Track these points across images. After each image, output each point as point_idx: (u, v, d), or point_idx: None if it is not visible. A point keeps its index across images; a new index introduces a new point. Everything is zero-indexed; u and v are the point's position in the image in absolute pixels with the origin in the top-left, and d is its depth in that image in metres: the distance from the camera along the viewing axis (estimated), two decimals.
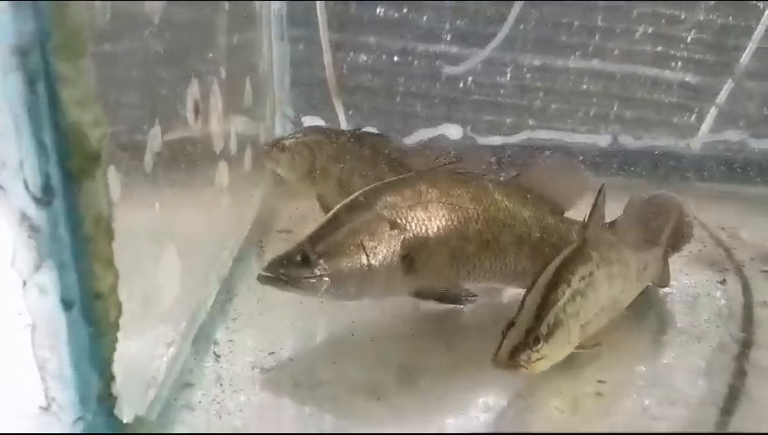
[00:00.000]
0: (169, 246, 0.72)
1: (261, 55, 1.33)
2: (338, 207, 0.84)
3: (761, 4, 1.43)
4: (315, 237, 0.79)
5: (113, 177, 0.53)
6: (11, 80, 0.45)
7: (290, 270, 0.77)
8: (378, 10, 1.46)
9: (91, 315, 0.51)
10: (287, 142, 1.15)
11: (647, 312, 0.92)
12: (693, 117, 1.49)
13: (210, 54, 0.92)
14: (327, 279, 0.77)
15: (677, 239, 0.98)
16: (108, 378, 0.53)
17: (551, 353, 0.72)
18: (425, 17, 1.48)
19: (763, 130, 1.43)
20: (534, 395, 0.75)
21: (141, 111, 0.65)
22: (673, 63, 1.48)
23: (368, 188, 0.87)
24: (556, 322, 0.72)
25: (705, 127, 1.49)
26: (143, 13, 0.63)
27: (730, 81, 1.47)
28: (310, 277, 0.77)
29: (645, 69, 1.46)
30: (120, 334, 0.53)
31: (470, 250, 0.87)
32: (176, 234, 0.74)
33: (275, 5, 1.41)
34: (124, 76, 0.60)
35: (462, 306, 0.90)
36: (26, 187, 0.47)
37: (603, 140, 1.50)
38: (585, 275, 0.76)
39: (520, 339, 0.70)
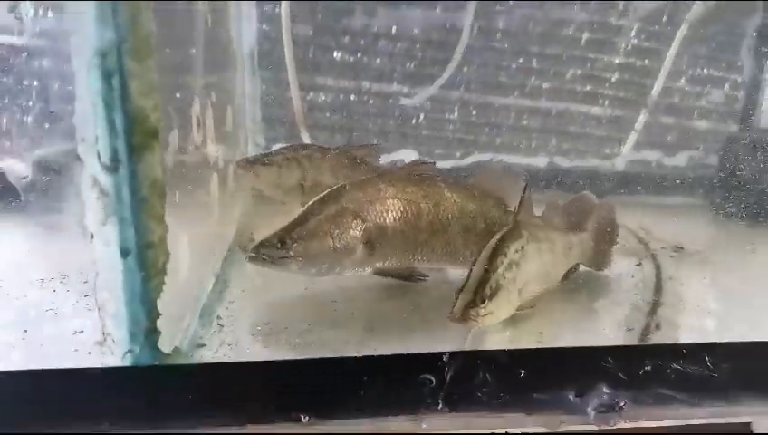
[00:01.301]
0: (182, 233, 0.87)
1: (236, 89, 1.50)
2: (310, 202, 1.01)
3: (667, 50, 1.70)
4: (291, 226, 0.97)
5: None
6: (93, 75, 0.60)
7: (270, 251, 0.95)
8: (335, 54, 1.66)
9: (144, 262, 0.65)
10: (269, 158, 1.27)
11: (579, 287, 1.10)
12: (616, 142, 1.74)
13: (204, 82, 1.08)
14: (300, 259, 0.95)
15: (610, 230, 1.18)
16: (154, 316, 0.66)
17: (495, 311, 0.89)
18: (377, 60, 1.69)
19: (671, 150, 1.69)
20: (488, 344, 0.91)
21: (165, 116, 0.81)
22: (600, 100, 1.73)
23: (336, 187, 1.04)
24: (497, 285, 0.89)
25: (625, 149, 1.73)
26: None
27: (644, 111, 1.73)
28: (285, 257, 0.95)
29: (576, 105, 1.70)
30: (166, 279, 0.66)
31: (422, 238, 1.05)
32: (186, 224, 0.89)
33: (248, 47, 1.59)
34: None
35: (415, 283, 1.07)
36: (99, 158, 0.62)
37: (541, 162, 1.72)
38: (518, 249, 0.94)
39: (469, 298, 0.88)
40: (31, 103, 1.32)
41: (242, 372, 0.70)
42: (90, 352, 0.74)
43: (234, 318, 0.94)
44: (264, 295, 1.05)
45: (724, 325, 0.98)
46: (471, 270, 0.92)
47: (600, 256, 1.15)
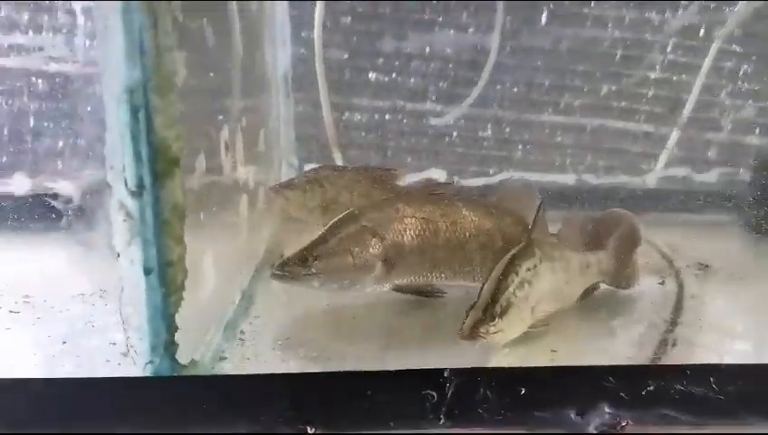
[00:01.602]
0: (208, 250, 0.93)
1: (270, 112, 1.57)
2: (332, 221, 1.06)
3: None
4: (312, 245, 1.03)
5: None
6: (121, 109, 0.66)
7: (292, 269, 1.00)
8: (370, 75, 1.72)
9: (164, 279, 0.70)
10: (296, 181, 1.34)
11: (598, 305, 1.11)
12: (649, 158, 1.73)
13: (240, 105, 1.15)
14: (321, 276, 1.00)
15: (633, 248, 1.18)
16: (173, 329, 0.72)
17: (506, 329, 0.91)
18: (411, 80, 1.74)
19: (702, 167, 1.67)
20: (499, 361, 0.93)
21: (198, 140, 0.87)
22: (636, 116, 1.73)
23: (356, 207, 1.09)
24: (508, 303, 0.91)
25: (658, 166, 1.72)
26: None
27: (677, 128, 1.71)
28: (307, 274, 1.00)
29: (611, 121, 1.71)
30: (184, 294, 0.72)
31: (440, 255, 1.08)
32: (213, 243, 0.95)
33: (282, 70, 1.66)
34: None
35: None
36: (125, 184, 0.68)
37: (570, 179, 1.73)
38: (530, 267, 0.95)
39: (479, 316, 0.90)
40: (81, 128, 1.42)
41: (254, 384, 0.75)
42: (119, 363, 0.80)
43: (256, 333, 0.99)
44: (287, 311, 1.10)
45: (744, 346, 0.98)
46: (482, 289, 0.95)
47: (623, 275, 1.15)
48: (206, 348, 0.87)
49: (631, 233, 1.17)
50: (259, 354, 0.92)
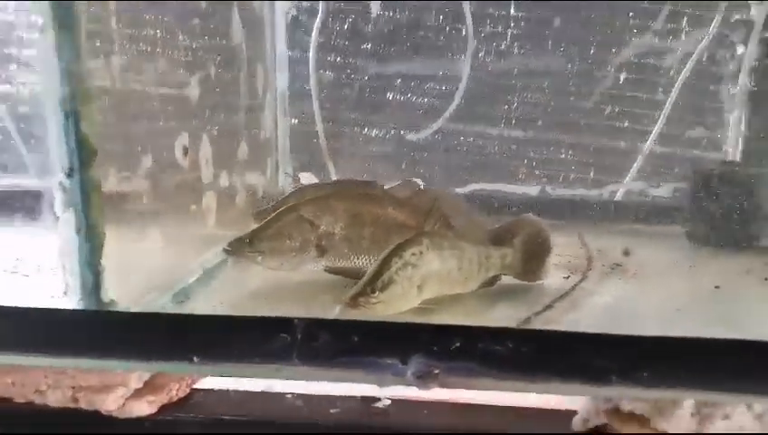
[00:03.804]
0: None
1: (266, 124, 1.83)
2: (276, 212, 1.30)
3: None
4: (258, 229, 1.29)
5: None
6: (58, 115, 0.92)
7: (240, 246, 1.27)
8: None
9: (89, 237, 0.95)
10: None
11: (500, 293, 1.26)
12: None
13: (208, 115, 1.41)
14: (264, 254, 1.26)
15: (540, 246, 1.32)
16: (98, 275, 0.96)
17: (387, 301, 1.09)
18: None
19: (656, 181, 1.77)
20: None
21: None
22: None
23: (297, 202, 1.33)
24: (390, 280, 1.09)
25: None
26: None
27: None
28: (251, 252, 1.27)
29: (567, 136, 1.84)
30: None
31: (364, 245, 1.30)
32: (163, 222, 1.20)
33: (280, 88, 1.92)
34: None
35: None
36: (62, 168, 0.94)
37: (534, 190, 1.86)
38: (416, 253, 1.13)
39: (360, 288, 1.09)
40: None
41: (159, 323, 0.98)
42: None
43: (198, 300, 1.23)
44: (239, 287, 1.33)
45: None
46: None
47: (529, 270, 1.31)
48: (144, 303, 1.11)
49: (540, 235, 1.32)
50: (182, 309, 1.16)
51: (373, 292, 1.09)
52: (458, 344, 0.90)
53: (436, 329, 0.93)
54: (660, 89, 1.76)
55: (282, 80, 1.92)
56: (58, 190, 0.95)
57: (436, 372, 0.90)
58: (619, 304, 1.21)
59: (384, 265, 1.12)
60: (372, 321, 0.93)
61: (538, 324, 1.09)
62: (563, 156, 1.84)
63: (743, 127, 1.61)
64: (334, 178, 1.95)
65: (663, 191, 1.74)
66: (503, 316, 1.15)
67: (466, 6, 1.83)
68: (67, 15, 0.90)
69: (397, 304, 1.12)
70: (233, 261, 1.38)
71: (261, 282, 1.34)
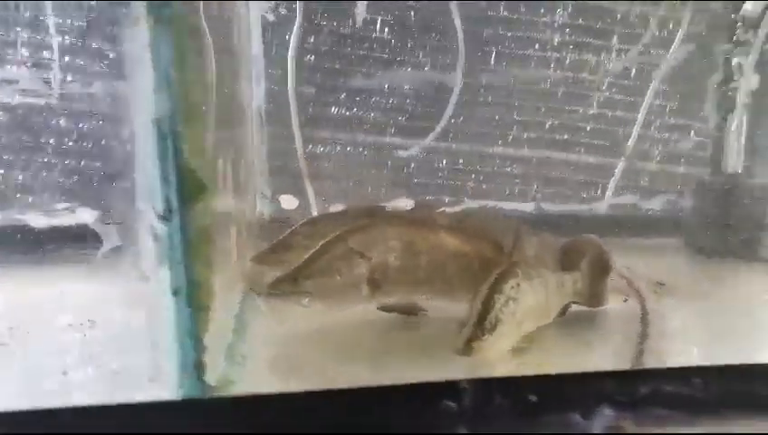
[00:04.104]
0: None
1: (245, 146, 1.60)
2: (321, 243, 1.10)
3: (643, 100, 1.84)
4: (303, 265, 1.08)
5: None
6: (151, 138, 0.69)
7: (285, 287, 1.05)
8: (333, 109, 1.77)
9: (192, 299, 0.72)
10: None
11: (572, 322, 1.18)
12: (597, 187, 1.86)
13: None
14: (311, 294, 1.06)
15: (603, 269, 1.26)
16: (201, 350, 0.73)
17: (496, 343, 0.97)
18: (372, 114, 1.80)
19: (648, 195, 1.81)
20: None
21: None
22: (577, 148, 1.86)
23: (345, 229, 1.13)
24: (497, 319, 0.97)
25: (607, 194, 1.85)
26: None
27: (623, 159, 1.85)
28: (297, 292, 1.05)
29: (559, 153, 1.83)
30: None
31: (421, 276, 1.14)
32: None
33: (256, 105, 1.69)
34: None
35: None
36: (154, 209, 0.70)
37: (528, 207, 1.83)
38: (514, 286, 1.02)
39: (471, 332, 0.95)
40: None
41: (268, 405, 0.76)
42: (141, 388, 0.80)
43: (253, 357, 1.01)
44: (279, 334, 1.12)
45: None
46: (471, 307, 1.00)
47: (594, 295, 1.24)
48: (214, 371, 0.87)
49: (602, 257, 1.26)
50: (260, 376, 0.93)
51: (483, 334, 0.96)
52: (644, 392, 0.80)
53: (609, 376, 0.83)
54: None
55: (258, 93, 1.70)
56: (148, 238, 0.71)
57: (625, 423, 0.79)
58: (704, 325, 1.18)
59: (488, 303, 0.99)
60: (545, 375, 0.81)
61: (652, 359, 1.01)
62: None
63: (743, 139, 1.69)
64: (313, 198, 1.76)
65: (657, 204, 1.78)
66: (606, 352, 1.07)
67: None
68: (166, 6, 0.67)
69: (503, 344, 0.99)
70: (264, 304, 1.11)
71: (304, 326, 1.13)
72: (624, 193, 1.83)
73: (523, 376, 0.82)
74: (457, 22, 1.74)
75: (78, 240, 1.21)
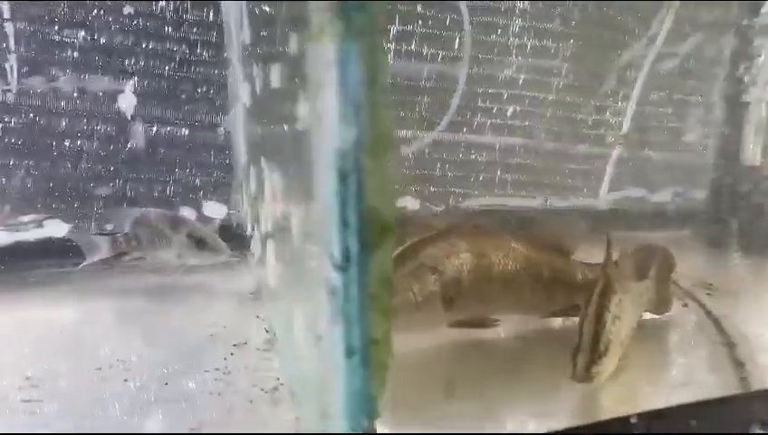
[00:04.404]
0: None
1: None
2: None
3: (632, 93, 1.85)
4: None
5: None
6: (332, 173, 0.58)
7: None
8: None
9: (368, 360, 0.62)
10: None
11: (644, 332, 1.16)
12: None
13: None
14: None
15: (667, 273, 1.24)
16: (374, 417, 0.63)
17: (608, 366, 0.94)
18: None
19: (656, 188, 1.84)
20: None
21: None
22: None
23: (411, 242, 1.06)
24: (608, 340, 0.94)
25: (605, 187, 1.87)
26: None
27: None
28: None
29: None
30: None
31: (494, 289, 1.08)
32: None
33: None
34: None
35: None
36: (331, 257, 0.59)
37: (535, 202, 1.81)
38: (617, 302, 0.99)
39: (589, 358, 0.92)
40: None
41: None
42: None
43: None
44: None
45: None
46: (581, 329, 0.96)
47: (661, 301, 1.23)
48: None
49: (667, 263, 1.25)
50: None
51: (600, 358, 0.93)
52: None
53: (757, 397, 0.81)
54: None
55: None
56: (325, 292, 0.60)
57: None
58: None
59: (598, 324, 0.96)
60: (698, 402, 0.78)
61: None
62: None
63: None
64: None
65: (663, 196, 1.80)
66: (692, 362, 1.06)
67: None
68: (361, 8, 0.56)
69: (612, 364, 0.96)
70: None
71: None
72: (631, 186, 1.84)
73: (681, 405, 0.78)
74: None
75: None
